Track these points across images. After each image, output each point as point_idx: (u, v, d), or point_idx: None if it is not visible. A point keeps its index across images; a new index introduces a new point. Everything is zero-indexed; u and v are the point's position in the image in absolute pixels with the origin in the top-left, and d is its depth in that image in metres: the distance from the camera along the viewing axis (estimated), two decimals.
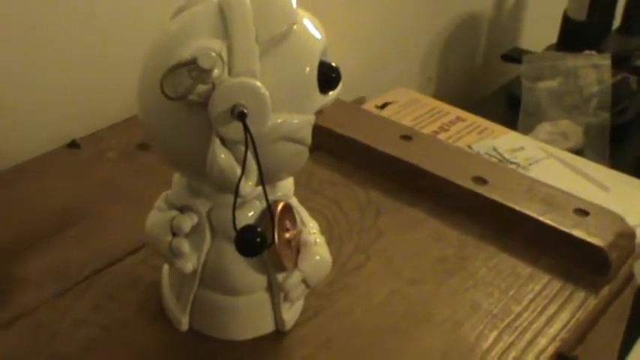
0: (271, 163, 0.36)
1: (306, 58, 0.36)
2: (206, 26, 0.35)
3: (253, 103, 0.34)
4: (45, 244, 0.49)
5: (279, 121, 0.35)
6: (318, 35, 0.37)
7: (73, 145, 0.60)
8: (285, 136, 0.36)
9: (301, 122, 0.36)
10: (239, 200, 0.37)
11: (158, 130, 0.37)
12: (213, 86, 0.33)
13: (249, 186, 0.36)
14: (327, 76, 0.36)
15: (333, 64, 0.37)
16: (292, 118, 0.35)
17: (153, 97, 0.35)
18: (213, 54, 0.33)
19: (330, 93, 0.37)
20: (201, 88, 0.33)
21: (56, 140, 0.60)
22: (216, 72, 0.33)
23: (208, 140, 0.35)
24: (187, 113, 0.35)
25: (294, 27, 0.35)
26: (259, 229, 0.37)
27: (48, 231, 0.50)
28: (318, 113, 0.37)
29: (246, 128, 0.33)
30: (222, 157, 0.35)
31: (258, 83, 0.34)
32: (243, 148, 0.34)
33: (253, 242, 0.36)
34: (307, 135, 0.37)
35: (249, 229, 0.37)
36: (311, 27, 0.37)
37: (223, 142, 0.35)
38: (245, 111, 0.33)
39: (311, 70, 0.36)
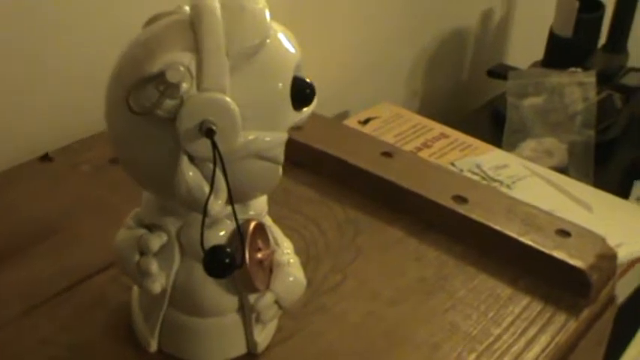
0: (242, 181, 0.35)
1: (278, 73, 0.35)
2: (176, 39, 0.34)
3: (222, 120, 0.32)
4: (13, 260, 0.48)
5: (249, 138, 0.34)
6: (292, 50, 0.35)
7: (46, 158, 0.59)
8: (256, 153, 0.34)
9: (273, 140, 0.35)
10: (209, 219, 0.36)
11: (125, 147, 0.36)
12: (181, 101, 0.32)
13: (218, 205, 0.35)
14: (301, 92, 0.35)
15: (307, 80, 0.35)
16: (264, 136, 0.34)
17: (120, 111, 0.34)
18: (182, 68, 0.32)
19: (304, 109, 0.36)
20: (169, 103, 0.32)
21: (29, 153, 0.59)
22: (184, 86, 0.32)
23: (176, 157, 0.33)
24: (154, 129, 0.33)
25: (267, 41, 0.34)
26: (228, 250, 0.36)
27: (17, 246, 0.49)
28: (294, 130, 0.36)
29: (214, 145, 0.32)
30: (190, 174, 0.34)
31: (228, 99, 0.32)
32: (211, 166, 0.33)
33: (222, 263, 0.35)
34: (279, 153, 0.35)
35: (217, 249, 0.35)
36: (285, 41, 0.35)
37: (191, 159, 0.34)
38: (213, 128, 0.32)
39: (284, 86, 0.35)
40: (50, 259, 0.48)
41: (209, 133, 0.32)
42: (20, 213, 0.53)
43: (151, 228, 0.39)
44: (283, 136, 0.35)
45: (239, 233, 0.36)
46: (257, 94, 0.34)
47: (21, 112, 0.62)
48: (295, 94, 0.35)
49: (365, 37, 0.96)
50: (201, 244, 0.35)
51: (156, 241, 0.38)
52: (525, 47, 1.20)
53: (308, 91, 0.36)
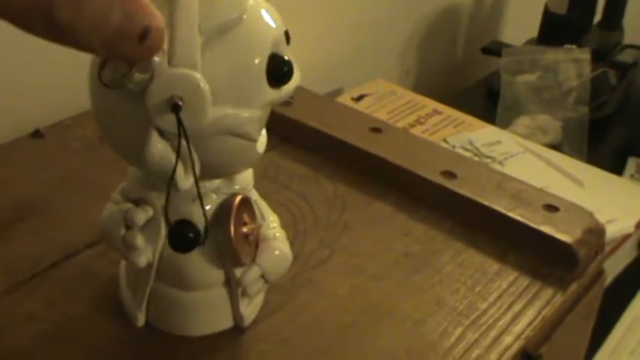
0: (215, 157, 0.35)
1: (254, 49, 0.34)
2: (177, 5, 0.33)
3: (190, 96, 0.32)
4: (0, 237, 0.48)
5: (220, 114, 0.33)
6: (272, 25, 0.35)
7: (37, 134, 0.59)
8: (228, 130, 0.34)
9: (245, 117, 0.34)
10: (183, 193, 0.36)
11: (105, 121, 0.36)
12: (151, 76, 0.32)
13: (187, 179, 0.34)
14: (278, 70, 0.35)
15: (286, 57, 0.35)
16: (236, 112, 0.34)
17: (97, 86, 0.33)
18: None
19: (284, 87, 0.35)
20: (139, 77, 0.32)
21: (21, 130, 0.59)
22: (155, 61, 0.32)
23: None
24: (129, 103, 0.33)
25: (244, 16, 0.34)
26: (194, 224, 0.36)
27: (4, 222, 0.49)
28: (278, 106, 0.36)
29: (179, 121, 0.32)
30: (159, 147, 0.34)
31: (197, 75, 0.32)
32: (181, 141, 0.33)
33: (185, 237, 0.36)
34: (253, 130, 0.35)
35: (182, 223, 0.36)
36: (264, 17, 0.35)
37: (162, 133, 0.34)
38: (179, 103, 0.32)
39: (259, 63, 0.34)
40: (38, 235, 0.48)
41: (175, 108, 0.32)
42: (10, 189, 0.53)
43: (138, 202, 0.39)
44: (257, 114, 0.35)
45: (202, 208, 0.36)
46: (230, 69, 0.33)
47: (13, 88, 0.62)
48: (272, 71, 0.34)
49: (359, 14, 0.96)
50: (166, 217, 0.35)
51: (141, 215, 0.38)
52: (520, 24, 1.20)
53: (285, 68, 0.35)
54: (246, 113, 0.34)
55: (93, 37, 0.28)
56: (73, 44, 0.29)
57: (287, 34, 0.36)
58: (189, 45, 0.32)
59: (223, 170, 0.38)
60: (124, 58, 0.30)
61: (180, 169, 0.34)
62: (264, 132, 0.38)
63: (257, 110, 0.35)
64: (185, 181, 0.34)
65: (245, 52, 0.34)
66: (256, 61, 0.34)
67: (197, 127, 0.33)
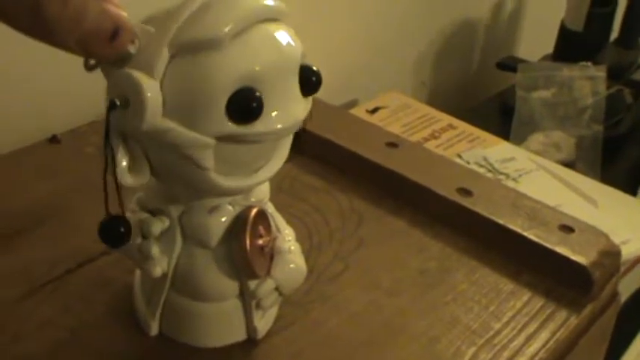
0: (171, 173, 0.36)
1: (218, 77, 0.33)
2: (157, 22, 0.34)
3: (134, 99, 0.32)
4: (16, 242, 0.48)
5: (164, 127, 0.33)
6: (255, 58, 0.33)
7: (54, 140, 0.59)
8: (174, 147, 0.34)
9: (189, 138, 0.33)
10: (212, 203, 0.37)
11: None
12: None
13: (129, 177, 0.35)
14: (240, 106, 0.33)
15: (257, 94, 0.33)
16: (181, 131, 0.33)
17: None
18: (132, 43, 0.33)
19: (251, 125, 0.34)
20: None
21: (39, 135, 0.59)
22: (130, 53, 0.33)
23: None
24: None
25: (225, 41, 0.32)
26: (127, 219, 0.36)
27: (21, 227, 0.49)
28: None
29: (107, 118, 0.33)
30: (115, 142, 0.34)
31: (142, 80, 0.32)
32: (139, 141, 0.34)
33: (116, 232, 0.35)
34: (201, 157, 0.34)
35: (114, 218, 0.35)
36: (254, 47, 0.33)
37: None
38: (117, 103, 0.32)
39: (219, 92, 0.33)
40: (53, 240, 0.49)
41: (111, 106, 0.32)
42: (26, 193, 0.53)
43: (154, 212, 0.39)
44: (205, 141, 0.33)
45: (121, 214, 0.36)
46: (188, 88, 0.33)
47: (32, 95, 0.62)
48: (232, 106, 0.33)
49: (375, 26, 0.96)
50: (106, 208, 0.35)
51: (157, 225, 0.38)
52: (536, 40, 1.20)
53: (254, 105, 0.33)
54: (191, 135, 0.33)
55: (70, 34, 0.30)
56: (50, 40, 0.31)
57: (307, 71, 0.35)
58: (152, 52, 0.33)
59: (184, 190, 0.38)
60: (94, 55, 0.32)
61: (124, 165, 0.34)
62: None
63: (207, 138, 0.33)
64: (125, 177, 0.35)
65: (207, 77, 0.33)
66: (216, 89, 0.33)
67: (138, 131, 0.33)
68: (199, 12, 0.33)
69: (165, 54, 0.32)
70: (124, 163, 0.35)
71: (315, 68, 0.36)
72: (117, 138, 0.34)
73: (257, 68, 0.33)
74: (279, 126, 0.34)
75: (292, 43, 0.35)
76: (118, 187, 0.34)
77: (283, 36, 0.34)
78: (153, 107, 0.32)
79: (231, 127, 0.33)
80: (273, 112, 0.34)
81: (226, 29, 0.32)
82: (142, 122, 0.32)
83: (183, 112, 0.33)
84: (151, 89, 0.32)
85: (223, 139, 0.34)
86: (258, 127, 0.34)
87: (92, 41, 0.31)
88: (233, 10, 0.33)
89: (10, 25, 0.31)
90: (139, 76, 0.32)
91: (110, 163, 0.34)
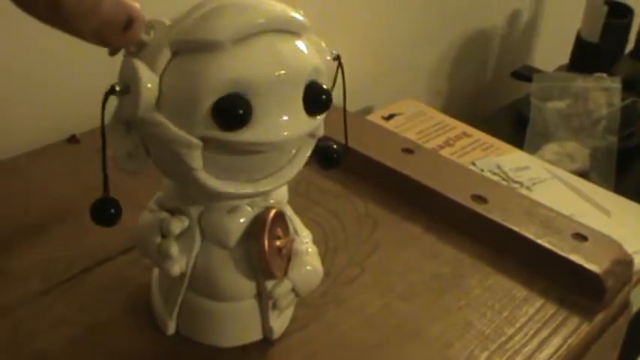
0: (163, 164, 0.37)
1: (208, 79, 0.33)
2: (183, 14, 0.35)
3: (134, 88, 0.33)
4: (35, 239, 0.49)
5: (155, 120, 0.34)
6: (252, 64, 0.33)
7: (73, 140, 0.59)
8: (162, 140, 0.34)
9: (174, 134, 0.34)
10: (231, 203, 0.38)
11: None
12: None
13: (128, 163, 0.36)
14: (225, 111, 0.33)
15: (245, 101, 0.33)
16: (168, 125, 0.34)
17: None
18: (146, 33, 0.34)
19: (237, 133, 0.34)
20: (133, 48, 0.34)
21: (57, 135, 0.60)
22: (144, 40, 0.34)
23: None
24: None
25: (227, 45, 0.33)
26: (116, 201, 0.36)
27: (39, 226, 0.50)
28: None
29: (104, 103, 0.33)
30: (114, 126, 0.35)
31: (143, 73, 0.33)
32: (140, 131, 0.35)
33: (107, 212, 0.36)
34: (187, 155, 0.34)
35: (104, 198, 0.36)
36: (244, 55, 0.33)
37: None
38: (116, 88, 0.33)
39: (206, 94, 0.33)
40: (71, 240, 0.49)
41: (110, 91, 0.33)
42: (45, 192, 0.54)
43: (173, 212, 0.39)
44: (192, 141, 0.34)
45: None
46: (181, 86, 0.33)
47: (53, 96, 0.63)
48: (217, 110, 0.33)
49: (391, 34, 0.96)
50: (104, 189, 0.36)
51: (177, 225, 0.39)
52: (551, 50, 1.20)
53: (240, 112, 0.33)
54: (178, 133, 0.34)
55: (86, 23, 0.31)
56: (66, 28, 0.32)
57: (315, 88, 0.35)
58: (157, 46, 0.34)
59: (177, 184, 0.39)
60: (108, 44, 0.33)
61: (124, 151, 0.36)
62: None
63: (193, 138, 0.34)
64: (124, 162, 0.36)
65: (198, 77, 0.33)
66: (203, 90, 0.33)
67: (133, 119, 0.34)
68: (210, 13, 0.33)
69: (167, 50, 0.33)
70: (124, 149, 0.36)
71: (325, 86, 0.35)
72: (121, 123, 0.35)
73: (251, 76, 0.33)
74: (267, 138, 0.34)
75: (300, 57, 0.34)
76: (105, 168, 0.36)
77: (290, 49, 0.34)
78: (147, 98, 0.33)
79: (215, 131, 0.33)
80: (264, 123, 0.34)
81: (227, 34, 0.33)
82: (136, 111, 0.33)
83: (173, 109, 0.34)
84: (149, 81, 0.33)
85: (213, 143, 0.34)
86: (246, 135, 0.33)
87: (106, 31, 0.32)
88: (240, 17, 0.33)
89: (28, 13, 0.32)
90: (140, 66, 0.33)
91: (105, 145, 0.35)
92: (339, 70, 0.38)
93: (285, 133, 0.34)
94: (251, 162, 0.36)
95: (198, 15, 0.34)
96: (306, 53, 0.35)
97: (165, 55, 0.33)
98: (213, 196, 0.37)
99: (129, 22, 0.32)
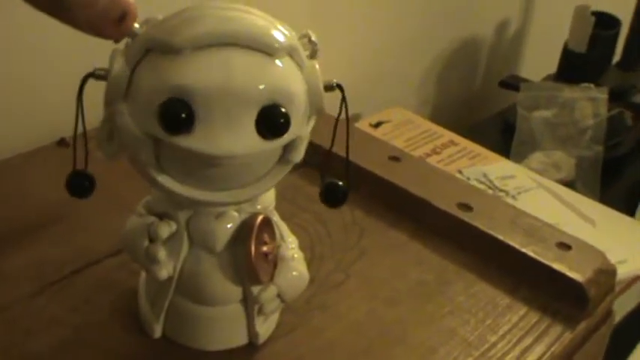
0: (127, 152, 0.37)
1: (156, 80, 0.34)
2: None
3: (108, 74, 0.35)
4: (25, 242, 0.49)
5: (117, 109, 0.35)
6: (189, 74, 0.33)
7: (62, 143, 0.60)
8: (121, 129, 0.36)
9: (129, 129, 0.35)
10: (218, 209, 0.39)
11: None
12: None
13: (106, 146, 0.37)
14: (165, 115, 0.33)
15: (188, 107, 0.33)
16: (127, 120, 0.35)
17: None
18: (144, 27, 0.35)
19: (179, 138, 0.34)
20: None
21: (47, 138, 0.60)
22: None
23: None
24: None
25: (179, 51, 0.34)
26: (90, 175, 0.38)
27: (29, 228, 0.50)
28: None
29: (82, 81, 0.36)
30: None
31: (118, 62, 0.35)
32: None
33: (82, 185, 0.38)
34: (138, 149, 0.36)
35: (78, 172, 0.38)
36: (196, 64, 0.34)
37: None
38: (96, 73, 0.36)
39: (153, 95, 0.34)
40: (61, 242, 0.50)
41: (91, 72, 0.36)
42: (34, 195, 0.54)
43: (162, 216, 0.40)
44: (138, 135, 0.35)
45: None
46: (140, 82, 0.35)
47: (41, 98, 0.63)
48: (160, 113, 0.34)
49: (379, 42, 0.97)
50: (73, 164, 0.38)
51: (165, 229, 0.39)
52: (539, 60, 1.21)
53: (183, 116, 0.34)
54: (130, 126, 0.35)
55: (83, 14, 0.33)
56: (63, 17, 0.33)
57: (271, 110, 0.34)
58: (137, 41, 0.35)
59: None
60: (103, 35, 0.34)
61: (104, 134, 0.37)
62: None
63: (141, 134, 0.35)
64: (104, 145, 0.38)
65: (156, 77, 0.34)
66: (155, 90, 0.34)
67: (104, 104, 0.36)
68: (188, 18, 0.34)
69: (140, 45, 0.35)
70: (104, 133, 0.37)
71: (283, 110, 0.34)
72: (106, 107, 0.36)
73: (195, 84, 0.33)
74: (209, 150, 0.34)
75: (256, 76, 0.34)
76: (76, 142, 0.38)
77: (248, 66, 0.34)
78: (115, 86, 0.35)
79: (159, 132, 0.34)
80: (206, 134, 0.34)
81: (187, 41, 0.33)
82: (105, 96, 0.35)
83: (135, 102, 0.35)
84: (120, 70, 0.35)
85: (165, 144, 0.35)
86: (187, 142, 0.34)
87: (102, 23, 0.34)
88: (206, 27, 0.34)
89: (28, 1, 0.33)
90: (117, 56, 0.35)
91: (79, 122, 0.37)
92: (343, 102, 0.40)
93: (229, 149, 0.34)
94: (210, 173, 0.36)
95: (179, 18, 0.35)
96: (267, 74, 0.34)
97: (140, 50, 0.35)
98: (179, 199, 0.38)
99: (123, 15, 0.34)
